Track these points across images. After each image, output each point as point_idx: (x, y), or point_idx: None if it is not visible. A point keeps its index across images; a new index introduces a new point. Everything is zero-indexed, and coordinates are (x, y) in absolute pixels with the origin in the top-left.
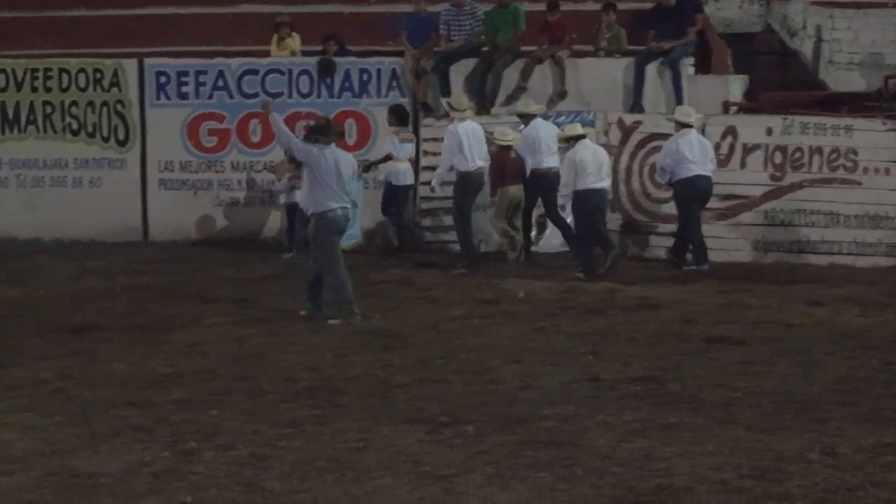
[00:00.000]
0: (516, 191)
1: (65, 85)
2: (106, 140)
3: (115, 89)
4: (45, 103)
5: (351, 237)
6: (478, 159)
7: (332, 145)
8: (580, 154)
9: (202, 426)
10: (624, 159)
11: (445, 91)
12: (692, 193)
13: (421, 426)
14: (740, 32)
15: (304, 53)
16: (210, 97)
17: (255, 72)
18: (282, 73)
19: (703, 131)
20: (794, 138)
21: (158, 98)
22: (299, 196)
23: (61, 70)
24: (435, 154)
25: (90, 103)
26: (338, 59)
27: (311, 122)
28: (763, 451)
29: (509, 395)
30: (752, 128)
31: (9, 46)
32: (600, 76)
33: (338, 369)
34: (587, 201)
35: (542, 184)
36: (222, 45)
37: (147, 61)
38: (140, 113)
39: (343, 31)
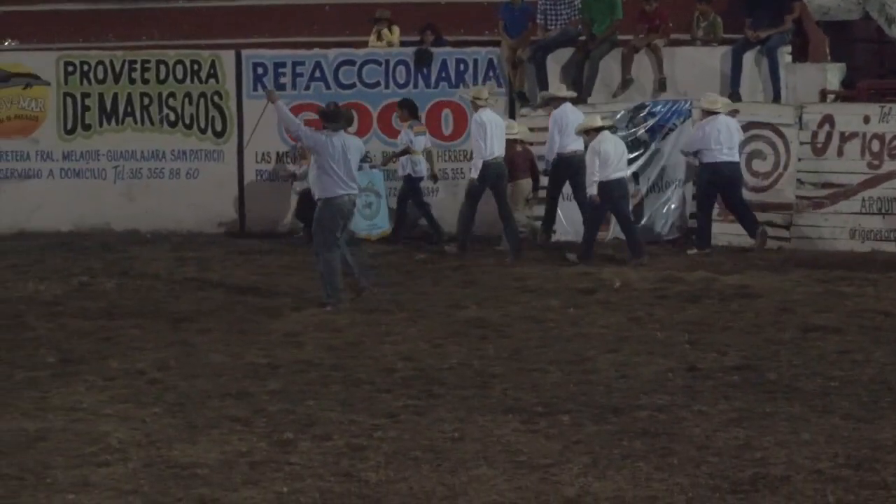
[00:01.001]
0: (525, 184)
1: (162, 77)
2: (203, 131)
3: (212, 81)
4: (143, 95)
5: (377, 227)
6: (497, 149)
7: (341, 132)
8: (603, 145)
9: (299, 417)
10: None
11: (542, 81)
12: (716, 179)
13: (517, 416)
14: (838, 20)
15: (402, 44)
16: (307, 88)
17: (352, 63)
18: (378, 63)
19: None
20: (892, 126)
21: (255, 89)
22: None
23: (159, 62)
24: (532, 144)
25: (187, 95)
26: (434, 49)
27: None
28: (860, 441)
29: (605, 384)
30: (850, 116)
31: (107, 38)
32: (697, 65)
33: (434, 359)
34: (611, 191)
35: (568, 167)
36: (319, 35)
37: (244, 52)
38: (237, 104)
39: (440, 21)
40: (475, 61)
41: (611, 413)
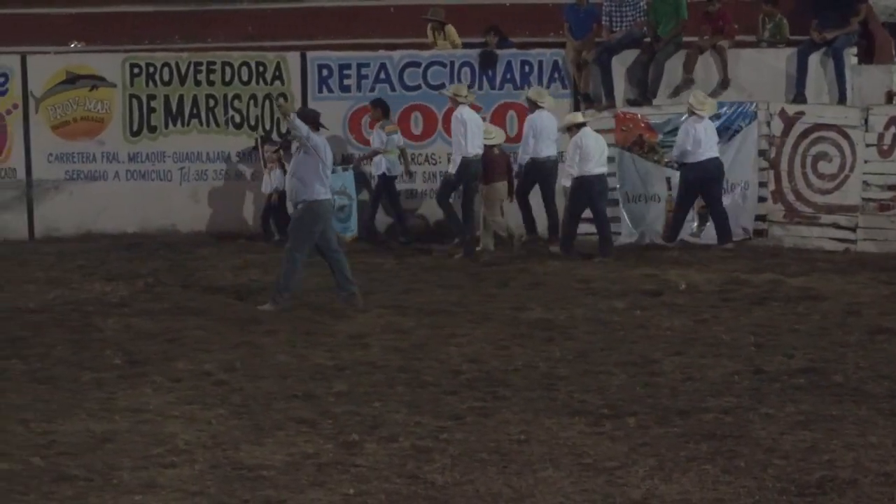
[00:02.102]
0: (501, 187)
1: (228, 78)
2: (268, 133)
3: (277, 82)
4: (209, 97)
5: (349, 230)
6: (476, 147)
7: (319, 132)
8: (584, 140)
9: (365, 418)
10: (786, 149)
11: (607, 83)
12: (704, 176)
13: (583, 418)
14: None
15: (466, 45)
16: (372, 90)
17: (417, 64)
18: (443, 65)
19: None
20: None
21: (321, 91)
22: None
23: (224, 64)
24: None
25: (253, 97)
26: (499, 51)
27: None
28: None
29: (671, 387)
30: None
31: (173, 40)
32: (762, 67)
33: (499, 361)
34: (591, 186)
35: (541, 172)
36: (384, 37)
37: (309, 54)
38: (302, 106)
39: (504, 23)
40: (540, 63)
41: (677, 415)
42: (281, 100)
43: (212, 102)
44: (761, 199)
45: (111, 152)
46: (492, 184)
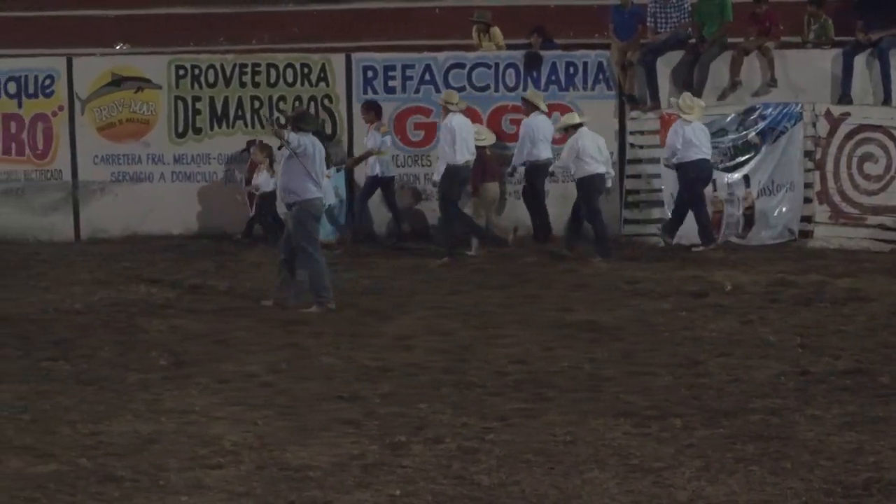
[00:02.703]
0: (493, 188)
1: (273, 80)
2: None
3: (322, 84)
4: (253, 98)
5: (337, 231)
6: (466, 153)
7: (310, 134)
8: (581, 141)
9: (410, 419)
10: (832, 151)
11: (652, 84)
12: (699, 175)
13: (629, 419)
14: None
15: (511, 46)
16: (417, 91)
17: (462, 65)
18: (488, 66)
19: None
20: None
21: (366, 92)
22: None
23: (269, 65)
24: (641, 147)
25: (298, 98)
26: (544, 52)
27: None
28: None
29: (717, 388)
30: None
31: (218, 42)
32: (808, 67)
33: (545, 362)
34: (590, 185)
35: (540, 174)
36: (429, 38)
37: (354, 56)
38: (347, 107)
39: (549, 24)
40: (585, 64)
41: (723, 417)
42: (276, 125)
43: (257, 104)
44: (807, 201)
45: (156, 154)
46: (485, 184)
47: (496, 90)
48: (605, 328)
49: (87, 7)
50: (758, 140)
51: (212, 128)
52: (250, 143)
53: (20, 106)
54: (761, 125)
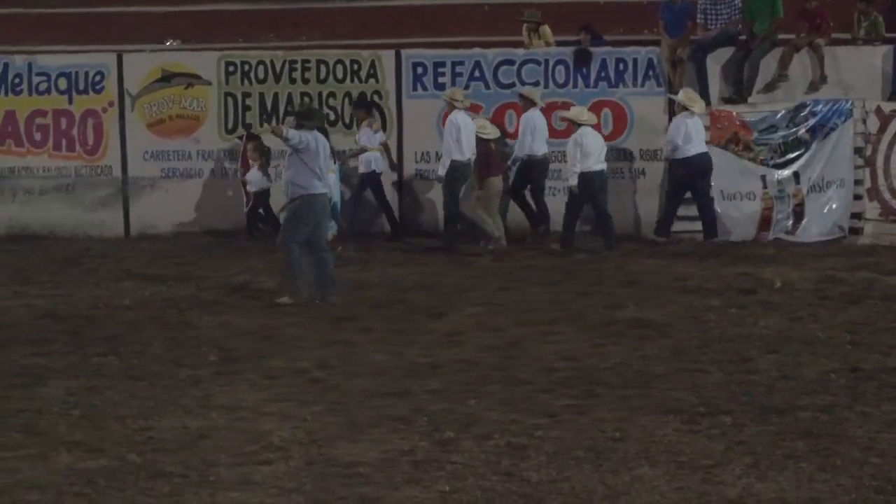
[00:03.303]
0: (498, 182)
1: (322, 76)
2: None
3: (372, 80)
4: (303, 95)
5: (332, 228)
6: (468, 151)
7: (315, 130)
8: (585, 138)
9: (460, 416)
10: (882, 147)
11: (702, 80)
12: (693, 171)
13: (678, 416)
14: None
15: (560, 44)
16: (466, 87)
17: (512, 62)
18: (538, 63)
19: None
20: None
21: (415, 89)
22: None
23: (319, 62)
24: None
25: (347, 94)
26: (594, 49)
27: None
28: None
29: (767, 385)
30: None
31: (268, 38)
32: (858, 64)
33: (594, 359)
34: (592, 182)
35: (538, 169)
36: (478, 35)
37: (404, 52)
38: (397, 104)
39: (599, 21)
40: (635, 61)
41: (773, 414)
42: (273, 126)
43: (306, 100)
44: (857, 197)
45: (206, 150)
46: (490, 178)
47: (546, 87)
48: (654, 325)
49: (137, 3)
50: (808, 137)
51: (261, 124)
52: (243, 137)
53: (70, 102)
54: (811, 122)
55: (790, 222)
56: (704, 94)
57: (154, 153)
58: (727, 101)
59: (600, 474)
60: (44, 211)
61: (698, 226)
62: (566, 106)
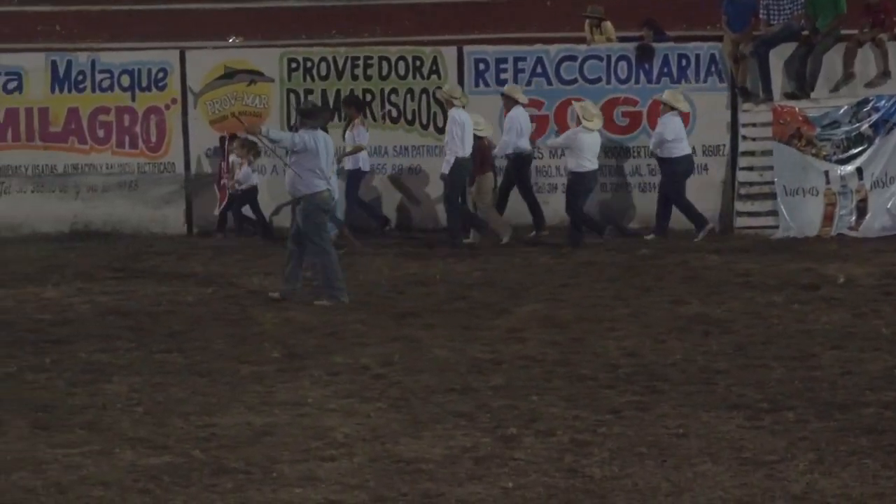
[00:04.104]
0: (490, 178)
1: (384, 73)
2: (425, 127)
3: (434, 77)
4: (365, 91)
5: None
6: (469, 147)
7: (318, 129)
8: (581, 136)
9: (522, 412)
10: None
11: (765, 76)
12: (685, 169)
13: (741, 412)
14: None
15: (622, 39)
16: (528, 84)
17: (574, 58)
18: (600, 59)
19: None
20: None
21: (477, 85)
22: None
23: (381, 58)
24: (754, 139)
25: (409, 91)
26: (656, 45)
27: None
28: None
29: (830, 381)
30: None
31: (330, 35)
32: None
33: (657, 355)
34: (585, 182)
35: (524, 166)
36: (540, 31)
37: (466, 48)
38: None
39: (662, 16)
40: (697, 56)
41: (836, 409)
42: (247, 124)
43: (368, 97)
44: None
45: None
46: (486, 174)
47: (608, 83)
48: (717, 321)
49: (200, 0)
50: (871, 132)
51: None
52: (224, 139)
53: (133, 99)
54: (874, 117)
55: (853, 218)
56: (767, 89)
57: (217, 150)
58: (790, 96)
59: (663, 471)
60: (107, 208)
61: (763, 222)
62: (629, 102)
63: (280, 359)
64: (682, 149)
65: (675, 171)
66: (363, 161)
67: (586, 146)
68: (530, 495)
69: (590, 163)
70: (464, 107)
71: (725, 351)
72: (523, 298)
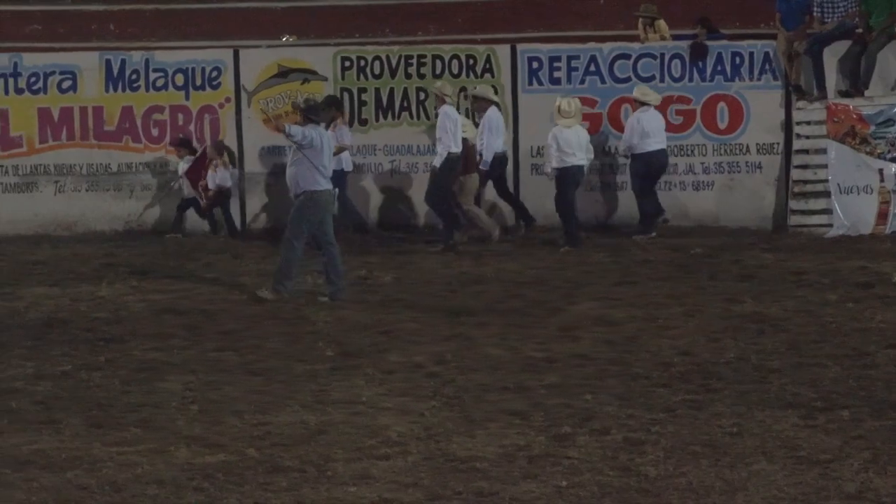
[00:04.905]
0: (474, 179)
1: (438, 71)
2: (478, 126)
3: (487, 75)
4: (419, 90)
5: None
6: (459, 144)
7: (321, 126)
8: (564, 134)
9: (576, 411)
10: None
11: (819, 74)
12: (654, 166)
13: (796, 411)
14: None
15: (676, 37)
16: (582, 82)
17: (627, 56)
18: (654, 57)
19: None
20: None
21: (530, 83)
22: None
23: (435, 56)
24: (808, 137)
25: (463, 89)
26: (710, 43)
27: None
28: None
29: (885, 379)
30: None
31: (383, 33)
32: None
33: (711, 354)
34: (571, 177)
35: (501, 165)
36: (594, 29)
37: (519, 47)
38: (512, 99)
39: (715, 14)
40: (751, 54)
41: (891, 408)
42: (275, 121)
43: (422, 95)
44: None
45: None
46: (471, 175)
47: (661, 81)
48: (771, 319)
49: None
50: None
51: (377, 119)
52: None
53: (187, 98)
54: None
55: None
56: (821, 87)
57: (270, 148)
58: (844, 94)
59: (717, 469)
60: (161, 206)
61: (817, 220)
62: (683, 100)
63: (334, 357)
64: (656, 143)
65: (647, 167)
66: (346, 162)
67: (565, 142)
68: (584, 494)
69: (575, 158)
70: (454, 104)
71: (780, 349)
72: (577, 297)
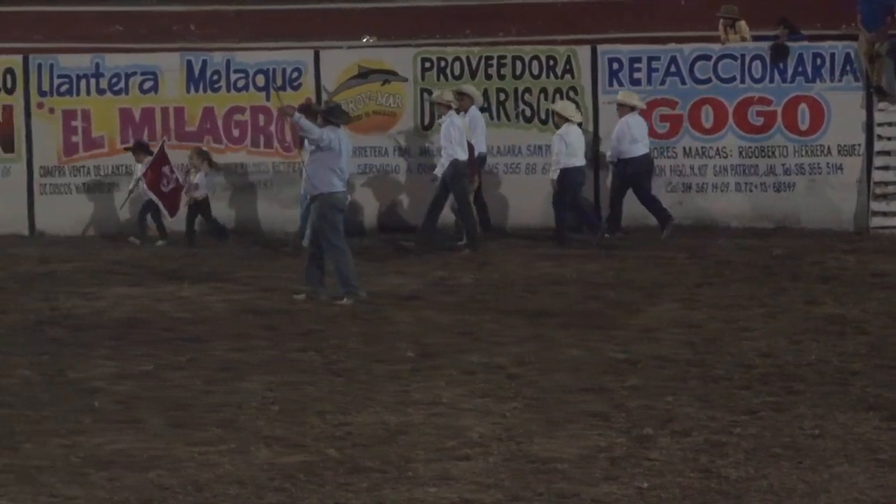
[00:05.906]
0: (474, 181)
1: (518, 72)
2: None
3: (568, 76)
4: (499, 90)
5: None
6: (465, 151)
7: (339, 128)
8: (570, 136)
9: (657, 412)
10: None
11: None
12: (636, 171)
13: (877, 413)
14: None
15: (756, 38)
16: (662, 83)
17: (708, 57)
18: (734, 58)
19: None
20: None
21: (611, 84)
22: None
23: (515, 57)
24: (889, 139)
25: (543, 90)
26: (791, 44)
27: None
28: None
29: None
30: None
31: (464, 34)
32: None
33: (792, 356)
34: (573, 178)
35: (481, 166)
36: (674, 30)
37: (600, 48)
38: (593, 99)
39: (796, 15)
40: (832, 55)
41: None
42: (282, 103)
43: (502, 96)
44: None
45: (403, 146)
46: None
47: (742, 82)
48: (852, 321)
49: (334, 0)
50: None
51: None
52: (163, 145)
53: (268, 99)
54: None
55: None
56: None
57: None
58: None
59: (799, 472)
60: (241, 207)
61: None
62: (764, 102)
63: (415, 358)
64: (641, 149)
65: (633, 172)
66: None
67: (571, 143)
68: (665, 496)
69: (576, 159)
70: (458, 111)
71: (860, 352)
72: (657, 298)
